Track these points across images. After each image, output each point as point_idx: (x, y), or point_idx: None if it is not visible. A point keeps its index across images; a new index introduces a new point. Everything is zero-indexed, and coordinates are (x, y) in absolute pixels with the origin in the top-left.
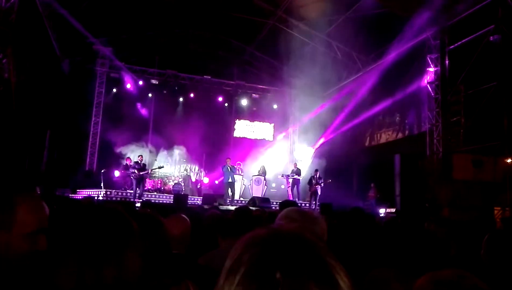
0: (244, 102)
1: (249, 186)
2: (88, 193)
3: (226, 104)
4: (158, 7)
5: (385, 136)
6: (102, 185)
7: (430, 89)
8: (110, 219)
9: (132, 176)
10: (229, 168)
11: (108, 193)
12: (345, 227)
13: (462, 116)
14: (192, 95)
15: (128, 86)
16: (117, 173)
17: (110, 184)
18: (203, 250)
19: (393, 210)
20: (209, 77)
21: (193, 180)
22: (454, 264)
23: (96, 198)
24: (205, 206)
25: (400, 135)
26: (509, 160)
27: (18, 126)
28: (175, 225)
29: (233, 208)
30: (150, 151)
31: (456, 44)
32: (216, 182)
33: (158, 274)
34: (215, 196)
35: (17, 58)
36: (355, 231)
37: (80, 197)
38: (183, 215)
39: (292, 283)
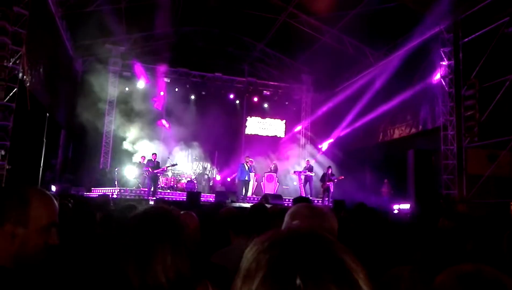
0: (255, 99)
1: (261, 183)
2: (102, 191)
3: (237, 101)
4: (169, 5)
5: (398, 132)
6: (116, 183)
7: (443, 83)
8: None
9: (145, 174)
10: (246, 166)
11: (122, 191)
12: (353, 223)
13: (476, 111)
14: (203, 92)
15: (141, 85)
16: (130, 172)
17: (124, 182)
18: (215, 247)
19: (407, 206)
20: (220, 74)
21: (206, 177)
22: (471, 260)
23: (110, 196)
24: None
25: (413, 130)
26: None
27: (33, 126)
28: (184, 222)
29: (245, 205)
30: (163, 149)
31: (470, 37)
32: (228, 179)
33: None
34: (227, 193)
35: (30, 58)
36: (364, 226)
37: (95, 195)
38: (192, 213)
39: (313, 287)
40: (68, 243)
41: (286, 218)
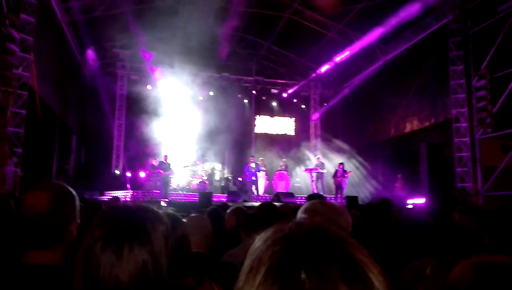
0: (263, 97)
1: (273, 181)
2: (115, 194)
3: (245, 101)
4: (172, 6)
5: (410, 125)
6: (128, 186)
7: (453, 74)
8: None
9: (157, 176)
10: (252, 166)
11: (135, 194)
12: (369, 219)
13: (488, 101)
14: (211, 93)
15: (149, 87)
16: (142, 174)
17: (136, 185)
18: (227, 247)
19: (421, 201)
20: (227, 74)
21: (217, 178)
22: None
23: (124, 199)
24: (229, 203)
25: (425, 124)
26: None
27: (44, 132)
28: (196, 226)
29: (257, 204)
30: (174, 151)
31: (479, 27)
32: (240, 179)
33: (179, 274)
34: (239, 193)
35: (39, 65)
36: (380, 223)
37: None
38: (204, 217)
39: (319, 283)
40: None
41: (299, 214)
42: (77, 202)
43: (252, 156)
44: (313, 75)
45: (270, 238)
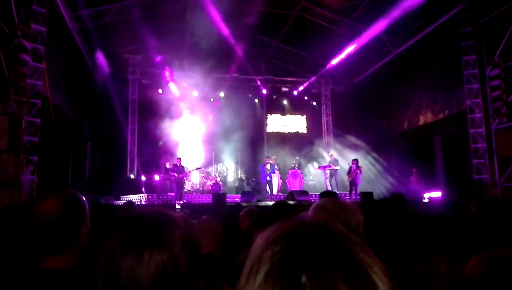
0: (274, 96)
1: (286, 180)
2: (130, 198)
3: (256, 100)
4: (180, 10)
5: (423, 118)
6: (143, 190)
7: (466, 64)
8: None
9: (171, 179)
10: (267, 167)
11: (150, 197)
12: (382, 216)
13: (503, 90)
14: (222, 94)
15: (160, 90)
16: (157, 177)
17: (151, 188)
18: (242, 248)
19: (438, 194)
20: (237, 75)
21: (231, 178)
22: (505, 245)
23: (138, 203)
24: (243, 204)
25: (439, 116)
26: None
27: (59, 139)
28: (206, 229)
29: (272, 203)
30: (187, 153)
31: (490, 15)
32: (253, 179)
33: (190, 276)
34: (253, 193)
35: (51, 73)
36: (393, 219)
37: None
38: (214, 219)
39: (320, 287)
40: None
41: (310, 212)
42: (87, 207)
43: (268, 157)
44: (323, 70)
45: (271, 236)
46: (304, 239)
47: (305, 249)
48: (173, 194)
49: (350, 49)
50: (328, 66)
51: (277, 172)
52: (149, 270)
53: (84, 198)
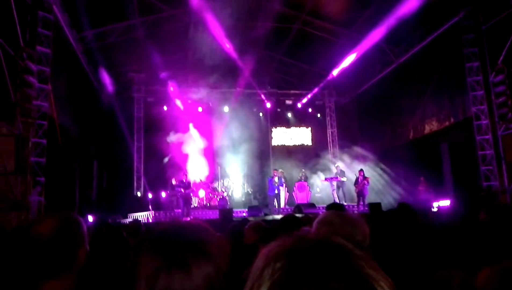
0: (278, 109)
1: (293, 193)
2: (137, 216)
3: (260, 114)
4: (182, 28)
5: (428, 127)
6: (150, 207)
7: (470, 71)
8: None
9: (178, 195)
10: (275, 180)
11: (157, 214)
12: (390, 227)
13: (508, 96)
14: (226, 109)
15: (165, 107)
16: (163, 194)
17: (158, 205)
18: (249, 263)
19: (447, 203)
20: (241, 89)
21: (237, 193)
22: None
23: (145, 220)
24: (250, 218)
25: (445, 124)
26: None
27: (66, 159)
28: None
29: (279, 217)
30: (194, 168)
31: (492, 21)
32: (258, 195)
33: None
34: (260, 207)
35: (57, 94)
36: (401, 230)
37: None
38: (221, 235)
39: None
40: (103, 270)
41: (314, 226)
42: (85, 229)
43: (275, 170)
44: (325, 81)
45: (271, 253)
46: (305, 255)
47: (307, 266)
48: (180, 210)
49: (350, 58)
50: (329, 77)
51: (282, 187)
52: (198, 283)
53: (82, 220)
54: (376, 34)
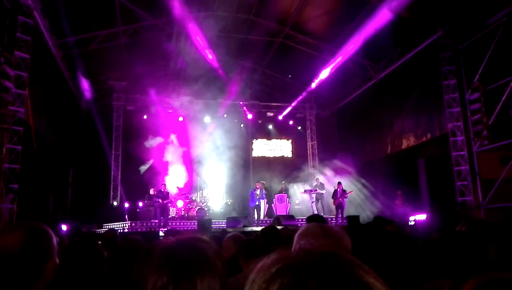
0: (259, 121)
1: (273, 205)
2: (113, 226)
3: (242, 125)
4: (165, 37)
5: (406, 142)
6: (126, 217)
7: (447, 88)
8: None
9: (155, 205)
10: (257, 192)
11: (133, 224)
12: (368, 239)
13: (483, 114)
14: (207, 119)
15: (145, 116)
16: (141, 204)
17: (135, 215)
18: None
19: (423, 217)
20: (222, 100)
21: (216, 203)
22: (495, 268)
23: (121, 230)
24: (229, 229)
25: (422, 139)
26: None
27: (41, 166)
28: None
29: (259, 229)
30: (172, 179)
31: (469, 41)
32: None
33: None
34: (239, 218)
35: (34, 100)
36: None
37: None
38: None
39: None
40: (76, 282)
41: (296, 238)
42: (54, 240)
43: (258, 182)
44: (306, 93)
45: (272, 268)
46: (314, 270)
47: (317, 280)
48: (157, 220)
49: (327, 70)
50: (309, 89)
51: (265, 197)
52: None
53: (50, 230)
54: (356, 49)
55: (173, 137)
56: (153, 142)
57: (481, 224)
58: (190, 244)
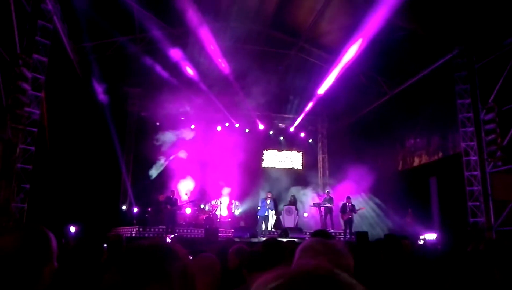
0: (271, 132)
1: (280, 216)
2: (121, 231)
3: (253, 136)
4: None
5: (418, 159)
6: (134, 221)
7: (461, 108)
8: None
9: (164, 211)
10: (268, 202)
11: (141, 229)
12: (377, 258)
13: (498, 134)
14: (219, 128)
15: (158, 123)
16: (149, 210)
17: (143, 220)
18: (232, 287)
19: (433, 236)
20: (235, 109)
21: (225, 212)
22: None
23: (129, 235)
24: (236, 239)
25: (434, 157)
26: None
27: (53, 167)
28: (206, 267)
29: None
30: (182, 186)
31: (485, 60)
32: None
33: None
34: (246, 228)
35: (50, 103)
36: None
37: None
38: (212, 255)
39: None
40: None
41: (298, 253)
42: (54, 244)
43: (270, 192)
44: (316, 105)
45: (269, 287)
46: None
47: None
48: (164, 227)
49: (332, 76)
50: (316, 96)
51: (273, 211)
52: None
53: (50, 233)
54: (371, 66)
55: (185, 145)
56: (164, 140)
57: (494, 243)
58: (149, 249)
